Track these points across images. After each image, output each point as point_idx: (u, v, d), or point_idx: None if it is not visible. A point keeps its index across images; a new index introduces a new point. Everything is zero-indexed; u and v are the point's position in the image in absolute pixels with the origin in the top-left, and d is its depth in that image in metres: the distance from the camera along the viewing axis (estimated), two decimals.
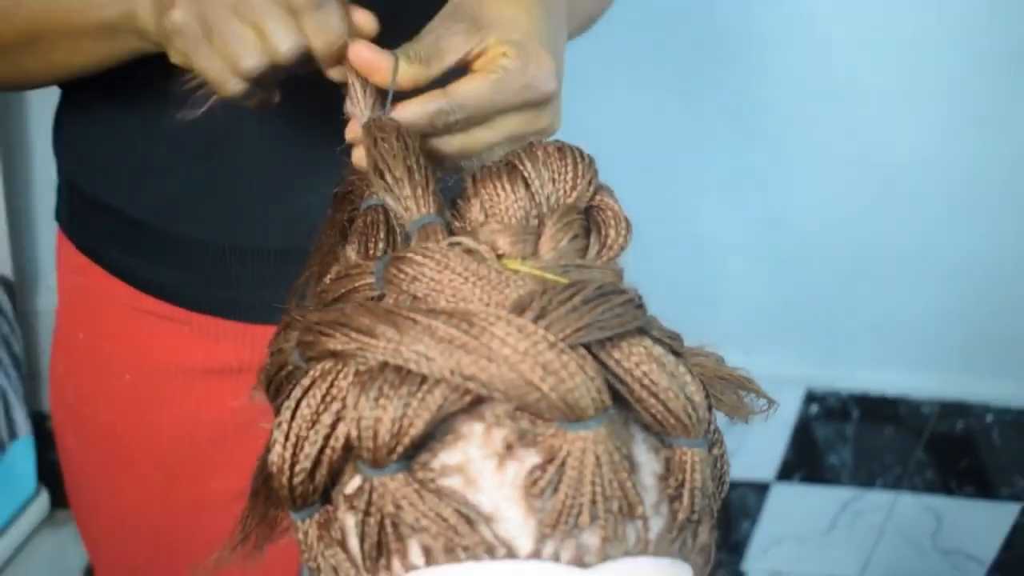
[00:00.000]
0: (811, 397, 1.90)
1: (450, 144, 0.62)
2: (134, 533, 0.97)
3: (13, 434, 1.84)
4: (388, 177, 0.51)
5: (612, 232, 0.51)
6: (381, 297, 0.47)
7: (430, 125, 0.59)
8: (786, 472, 2.00)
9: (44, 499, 1.97)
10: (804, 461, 1.98)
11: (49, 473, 1.95)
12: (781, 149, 1.64)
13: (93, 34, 0.68)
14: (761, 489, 2.02)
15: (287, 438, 0.43)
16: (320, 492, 0.44)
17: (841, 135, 1.63)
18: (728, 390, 0.53)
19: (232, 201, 0.83)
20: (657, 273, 1.73)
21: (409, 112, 0.59)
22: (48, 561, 1.93)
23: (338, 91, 0.63)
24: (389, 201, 0.50)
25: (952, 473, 2.00)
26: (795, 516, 2.05)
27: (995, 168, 1.66)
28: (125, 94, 0.81)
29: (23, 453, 1.89)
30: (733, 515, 2.05)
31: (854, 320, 1.83)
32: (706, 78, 1.58)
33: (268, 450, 0.49)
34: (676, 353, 0.45)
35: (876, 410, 1.92)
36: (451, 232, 0.50)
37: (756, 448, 1.96)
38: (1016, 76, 1.57)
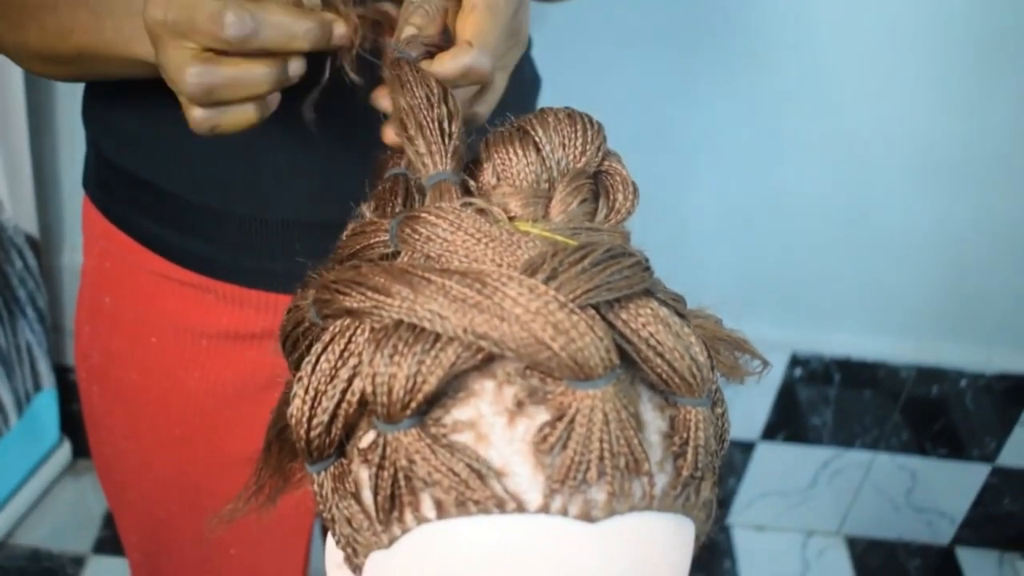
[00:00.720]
0: (795, 361, 1.90)
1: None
2: (156, 488, 0.96)
3: (38, 386, 1.84)
4: (411, 128, 0.49)
5: (620, 196, 0.50)
6: (395, 254, 0.46)
7: (463, 79, 0.58)
8: (770, 432, 1.99)
9: (66, 448, 1.97)
10: (787, 422, 1.98)
11: (71, 424, 1.95)
12: (768, 125, 1.63)
13: (137, 64, 0.68)
14: (747, 448, 2.02)
15: (306, 392, 0.42)
16: (336, 445, 0.43)
17: (825, 112, 1.61)
18: (726, 351, 0.52)
19: (259, 174, 0.81)
20: (648, 241, 1.71)
21: (443, 69, 0.56)
22: (70, 507, 1.93)
23: (366, 65, 0.61)
24: (409, 153, 0.49)
25: (927, 435, 2.00)
26: (778, 473, 2.05)
27: (970, 145, 1.64)
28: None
29: (47, 404, 1.88)
30: (720, 472, 2.05)
31: (837, 289, 1.82)
32: (698, 56, 1.56)
33: (284, 404, 0.48)
34: (680, 315, 0.44)
35: (856, 374, 1.92)
36: (467, 192, 0.48)
37: (742, 409, 1.95)
38: (994, 56, 1.55)
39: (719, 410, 0.45)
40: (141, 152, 0.84)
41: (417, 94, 0.51)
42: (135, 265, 0.87)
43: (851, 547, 2.13)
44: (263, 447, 0.53)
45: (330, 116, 0.76)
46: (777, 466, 2.04)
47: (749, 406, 1.96)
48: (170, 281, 0.86)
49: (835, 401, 1.95)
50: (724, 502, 2.10)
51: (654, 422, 0.41)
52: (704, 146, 1.65)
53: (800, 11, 1.51)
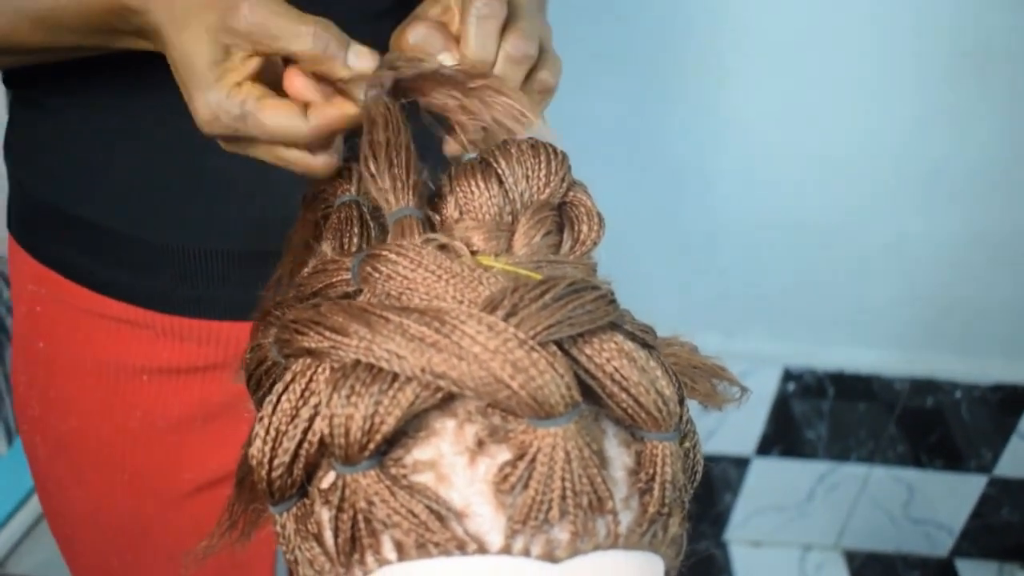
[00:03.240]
0: (788, 375, 1.89)
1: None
2: (107, 535, 0.92)
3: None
4: (372, 166, 0.49)
5: (585, 228, 0.49)
6: (358, 292, 0.46)
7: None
8: (765, 447, 1.99)
9: None
10: (782, 436, 1.97)
11: None
12: (758, 142, 1.63)
13: (108, 13, 0.58)
14: (742, 463, 2.01)
15: (267, 432, 0.42)
16: (298, 486, 0.42)
17: (815, 128, 1.61)
18: (702, 378, 0.52)
19: (193, 203, 0.79)
20: (639, 261, 1.71)
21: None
22: (51, 550, 1.91)
23: None
24: (372, 191, 0.49)
25: (923, 446, 2.00)
26: (774, 488, 2.05)
27: (960, 159, 1.65)
28: (76, 91, 0.75)
29: None
30: (715, 488, 2.04)
31: (829, 302, 1.82)
32: (684, 75, 1.56)
33: (250, 443, 0.47)
34: (648, 346, 0.43)
35: (850, 387, 1.91)
36: (430, 225, 0.48)
37: (736, 424, 1.95)
38: (983, 70, 1.56)
39: (688, 444, 0.44)
40: (64, 183, 0.80)
41: (389, 132, 0.50)
42: (68, 305, 0.84)
43: (849, 560, 2.12)
44: (235, 482, 0.52)
45: None
46: (773, 481, 2.03)
47: (743, 421, 1.95)
48: (105, 319, 0.83)
49: (829, 415, 1.95)
50: (720, 518, 2.10)
51: (619, 458, 0.41)
52: (690, 163, 1.65)
53: (778, 27, 1.52)
